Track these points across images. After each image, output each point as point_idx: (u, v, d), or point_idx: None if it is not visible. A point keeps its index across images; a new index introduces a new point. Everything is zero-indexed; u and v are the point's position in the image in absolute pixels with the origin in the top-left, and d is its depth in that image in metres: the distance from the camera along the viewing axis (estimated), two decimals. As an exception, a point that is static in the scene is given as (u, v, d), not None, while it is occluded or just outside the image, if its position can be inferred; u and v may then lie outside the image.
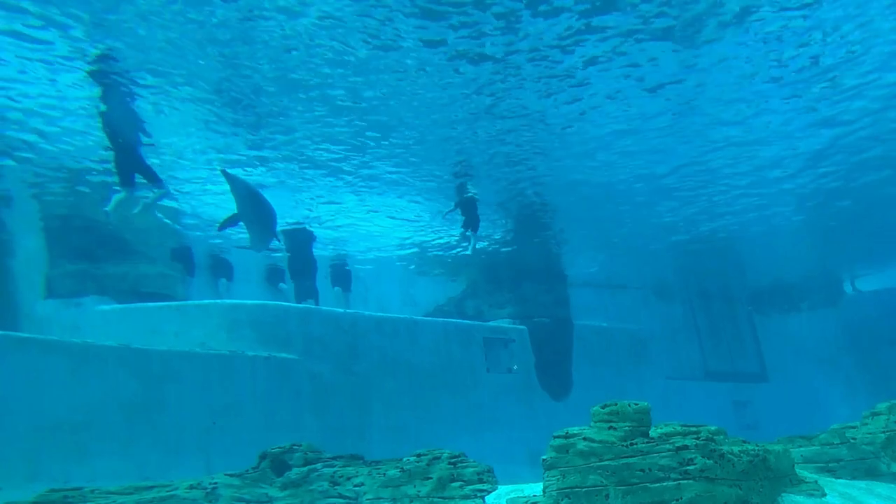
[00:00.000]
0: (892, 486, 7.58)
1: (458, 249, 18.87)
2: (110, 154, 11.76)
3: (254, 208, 13.20)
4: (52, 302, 14.27)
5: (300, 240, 17.99)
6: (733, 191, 16.76)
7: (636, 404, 6.76)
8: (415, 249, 20.06)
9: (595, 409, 6.85)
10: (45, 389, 10.26)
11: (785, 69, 11.63)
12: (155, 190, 12.06)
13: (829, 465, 8.14)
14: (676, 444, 6.38)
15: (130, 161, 11.47)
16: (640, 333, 20.84)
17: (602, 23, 9.96)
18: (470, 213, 15.43)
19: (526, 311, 18.75)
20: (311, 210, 16.42)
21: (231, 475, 8.12)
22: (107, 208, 12.09)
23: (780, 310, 25.11)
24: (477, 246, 16.69)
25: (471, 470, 7.62)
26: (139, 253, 15.51)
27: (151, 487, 7.86)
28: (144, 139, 11.85)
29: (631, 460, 6.34)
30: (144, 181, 11.88)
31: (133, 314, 13.54)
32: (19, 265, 15.87)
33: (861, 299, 25.28)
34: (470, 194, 15.23)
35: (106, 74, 10.38)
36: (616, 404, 6.76)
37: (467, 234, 15.73)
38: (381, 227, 18.09)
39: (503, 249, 19.86)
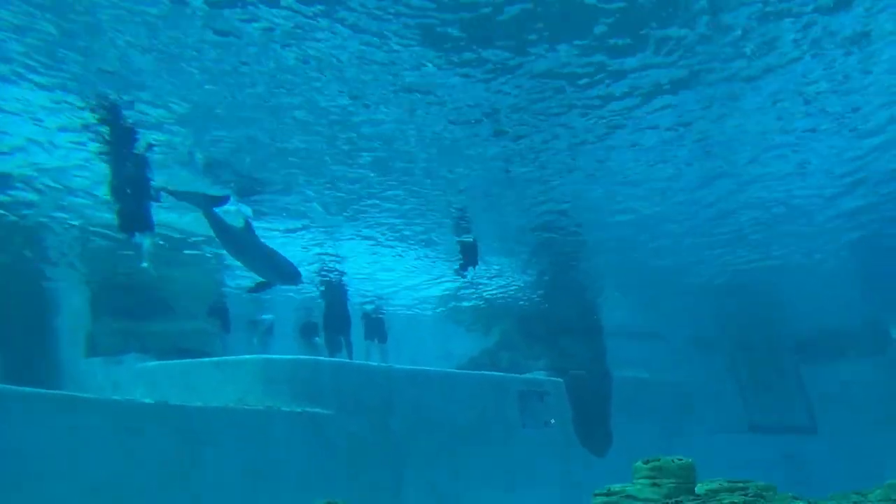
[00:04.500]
0: (958, 546, 7.15)
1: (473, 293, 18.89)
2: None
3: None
4: (94, 360, 14.57)
5: (331, 290, 18.11)
6: (770, 231, 16.46)
7: (680, 459, 6.57)
8: (447, 298, 20.09)
9: (637, 464, 6.66)
10: (83, 447, 10.34)
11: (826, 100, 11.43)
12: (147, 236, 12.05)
13: (888, 523, 7.73)
14: (724, 502, 6.15)
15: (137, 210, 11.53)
16: (682, 385, 20.32)
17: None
18: (470, 256, 15.37)
19: (562, 362, 18.48)
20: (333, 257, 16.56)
21: (266, 535, 8.04)
22: (144, 265, 12.23)
23: (826, 358, 24.30)
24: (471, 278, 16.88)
25: (509, 529, 7.43)
26: (179, 310, 15.82)
27: (187, 547, 7.81)
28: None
29: (676, 519, 6.12)
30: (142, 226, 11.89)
31: (171, 371, 13.72)
32: (63, 324, 16.31)
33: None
34: (471, 239, 15.20)
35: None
36: (659, 460, 6.58)
37: (464, 272, 15.72)
38: (409, 275, 18.17)
39: (536, 300, 19.76)
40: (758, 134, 12.18)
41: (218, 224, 12.83)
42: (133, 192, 11.29)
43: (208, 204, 12.58)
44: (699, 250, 17.19)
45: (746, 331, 23.59)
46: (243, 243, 13.11)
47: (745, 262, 18.00)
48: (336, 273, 17.23)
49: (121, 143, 10.60)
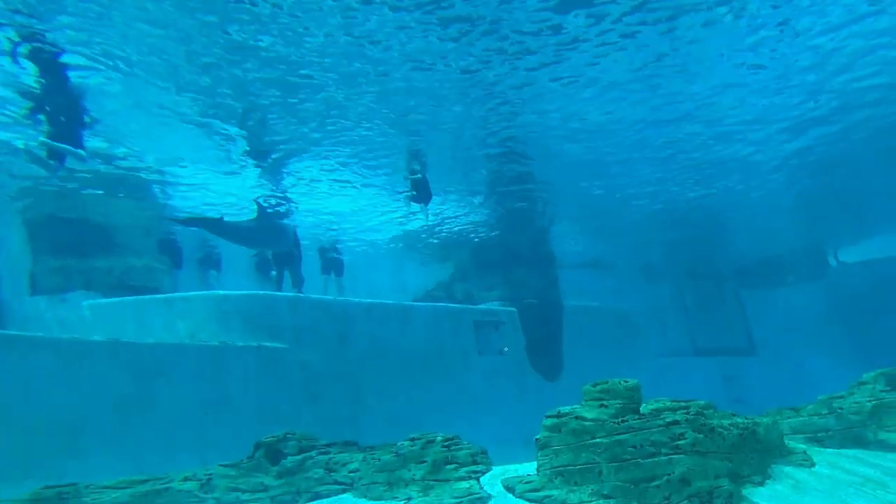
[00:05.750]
0: (879, 453, 7.70)
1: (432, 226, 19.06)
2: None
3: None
4: (38, 298, 14.15)
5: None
6: (713, 163, 16.76)
7: (626, 381, 6.81)
8: (401, 233, 20.04)
9: (586, 387, 6.89)
10: (35, 387, 10.18)
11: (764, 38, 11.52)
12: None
13: (818, 435, 8.26)
14: (667, 420, 6.44)
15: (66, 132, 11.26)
16: (630, 313, 20.98)
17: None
18: (422, 191, 15.37)
19: (515, 293, 18.81)
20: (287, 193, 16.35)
21: (226, 466, 8.12)
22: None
23: (766, 284, 25.35)
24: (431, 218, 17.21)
25: (465, 452, 7.65)
26: (125, 246, 15.38)
27: (146, 481, 7.83)
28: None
29: (623, 437, 6.39)
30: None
31: (121, 308, 13.45)
32: (2, 263, 15.71)
33: (846, 271, 25.55)
34: (419, 175, 15.14)
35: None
36: (607, 382, 6.81)
37: (420, 208, 15.90)
38: (363, 209, 17.99)
39: (490, 232, 19.88)
40: (704, 68, 12.26)
41: (227, 233, 13.44)
42: (63, 116, 10.88)
43: (213, 224, 13.97)
44: (646, 182, 17.44)
45: (691, 259, 24.34)
46: (254, 231, 13.84)
47: (690, 192, 18.38)
48: (283, 204, 16.88)
49: (47, 67, 10.07)
